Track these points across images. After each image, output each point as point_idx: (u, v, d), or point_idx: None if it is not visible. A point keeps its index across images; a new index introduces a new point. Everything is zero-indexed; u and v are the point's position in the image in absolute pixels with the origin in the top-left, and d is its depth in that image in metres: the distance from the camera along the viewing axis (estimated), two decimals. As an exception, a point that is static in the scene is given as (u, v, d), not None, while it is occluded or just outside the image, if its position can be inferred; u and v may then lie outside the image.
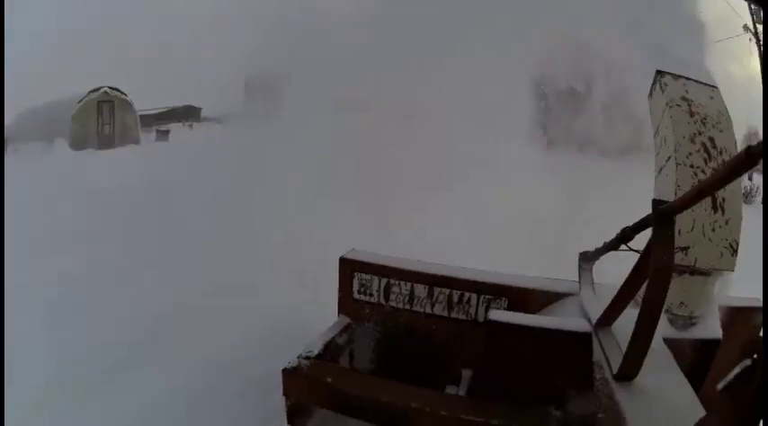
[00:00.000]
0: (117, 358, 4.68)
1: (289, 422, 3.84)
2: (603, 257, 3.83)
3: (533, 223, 9.28)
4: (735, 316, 3.41)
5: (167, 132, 26.26)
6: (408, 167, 10.71)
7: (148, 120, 26.92)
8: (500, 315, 3.42)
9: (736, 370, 1.27)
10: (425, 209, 9.51)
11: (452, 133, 11.97)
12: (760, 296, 3.12)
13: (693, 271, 3.08)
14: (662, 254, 2.13)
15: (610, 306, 2.86)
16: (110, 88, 23.69)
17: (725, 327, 3.09)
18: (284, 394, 3.76)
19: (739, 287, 3.32)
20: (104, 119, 23.60)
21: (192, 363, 4.65)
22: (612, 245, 3.32)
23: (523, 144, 13.98)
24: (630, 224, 3.00)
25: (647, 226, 2.62)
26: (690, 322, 3.13)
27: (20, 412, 3.57)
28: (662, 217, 2.20)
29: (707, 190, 2.00)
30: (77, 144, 20.63)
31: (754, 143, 1.62)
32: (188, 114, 29.94)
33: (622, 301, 2.77)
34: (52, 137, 19.89)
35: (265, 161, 10.31)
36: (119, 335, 4.96)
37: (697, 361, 2.93)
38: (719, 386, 1.29)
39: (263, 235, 7.36)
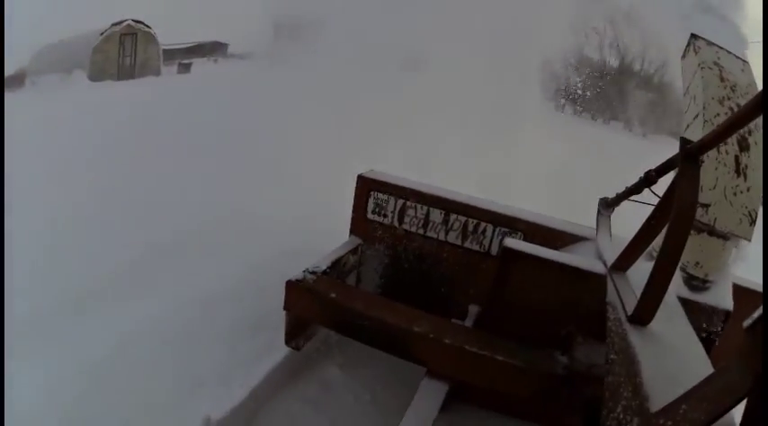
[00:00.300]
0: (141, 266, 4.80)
1: (287, 343, 3.78)
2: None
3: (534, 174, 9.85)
4: (745, 297, 3.35)
5: (189, 65, 25.98)
6: (419, 110, 10.97)
7: (175, 54, 26.62)
8: (516, 243, 3.35)
9: (760, 310, 1.21)
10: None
11: (469, 85, 12.20)
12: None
13: (712, 232, 3.08)
14: (687, 191, 2.09)
15: (626, 249, 2.81)
16: (134, 21, 23.28)
17: (735, 304, 3.07)
18: (285, 307, 3.68)
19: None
20: (126, 51, 23.23)
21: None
22: (635, 189, 3.23)
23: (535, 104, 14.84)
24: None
25: (672, 168, 2.65)
26: (703, 285, 3.12)
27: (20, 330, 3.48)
28: (689, 155, 2.17)
29: (733, 125, 1.94)
30: (96, 75, 20.51)
31: None
32: (215, 50, 29.89)
33: (640, 245, 2.72)
34: (71, 69, 19.69)
35: (283, 94, 10.52)
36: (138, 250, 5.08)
37: (705, 329, 2.90)
38: (744, 324, 1.24)
39: (273, 162, 7.49)
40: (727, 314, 3.00)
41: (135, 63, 23.52)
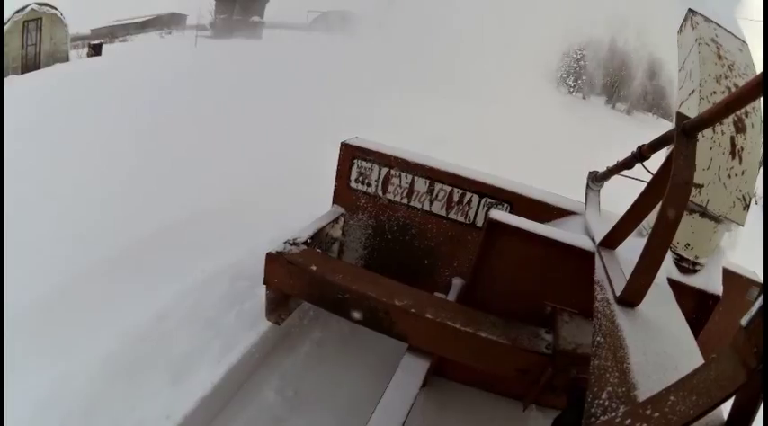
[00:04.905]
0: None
1: (267, 317, 3.81)
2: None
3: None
4: (733, 282, 3.46)
5: (100, 46, 25.11)
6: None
7: (130, 29, 26.78)
8: (502, 215, 3.38)
9: (758, 305, 1.23)
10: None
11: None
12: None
13: (704, 213, 3.16)
14: (683, 169, 2.12)
15: (616, 226, 2.88)
16: (37, 4, 22.13)
17: (724, 289, 3.15)
18: (265, 282, 3.69)
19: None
20: (30, 39, 22.07)
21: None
22: (626, 164, 3.25)
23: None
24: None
25: (666, 144, 2.68)
26: (693, 267, 3.21)
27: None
28: (685, 131, 2.19)
29: (733, 104, 1.94)
30: (-2, 71, 19.49)
31: None
32: (172, 22, 30.29)
33: (630, 222, 2.77)
34: (-19, 71, 18.73)
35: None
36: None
37: (693, 313, 2.98)
38: (743, 321, 1.25)
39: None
40: (716, 298, 3.07)
41: (40, 51, 22.36)
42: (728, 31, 3.68)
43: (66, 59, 22.68)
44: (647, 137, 2.92)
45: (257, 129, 8.98)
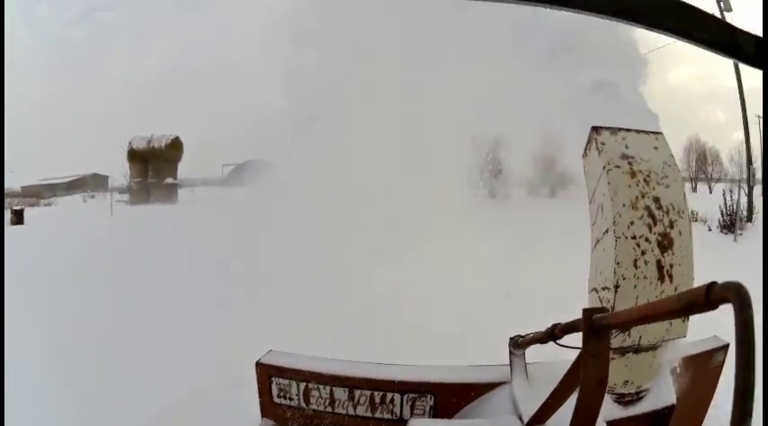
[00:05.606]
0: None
1: None
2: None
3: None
4: (694, 364, 3.56)
5: (21, 213, 25.00)
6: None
7: (57, 189, 27.63)
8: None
9: None
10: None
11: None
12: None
13: (638, 349, 3.07)
14: (594, 369, 2.00)
15: (543, 406, 2.84)
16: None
17: (684, 378, 3.26)
18: None
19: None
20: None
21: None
22: (542, 339, 3.13)
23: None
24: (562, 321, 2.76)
25: (577, 330, 2.39)
26: (637, 397, 3.16)
27: None
28: (594, 330, 2.01)
29: (653, 317, 1.76)
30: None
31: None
32: (95, 183, 30.73)
33: (556, 403, 2.73)
34: None
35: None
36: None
37: None
38: None
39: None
40: (671, 408, 3.10)
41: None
42: (639, 131, 3.43)
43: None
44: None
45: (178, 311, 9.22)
